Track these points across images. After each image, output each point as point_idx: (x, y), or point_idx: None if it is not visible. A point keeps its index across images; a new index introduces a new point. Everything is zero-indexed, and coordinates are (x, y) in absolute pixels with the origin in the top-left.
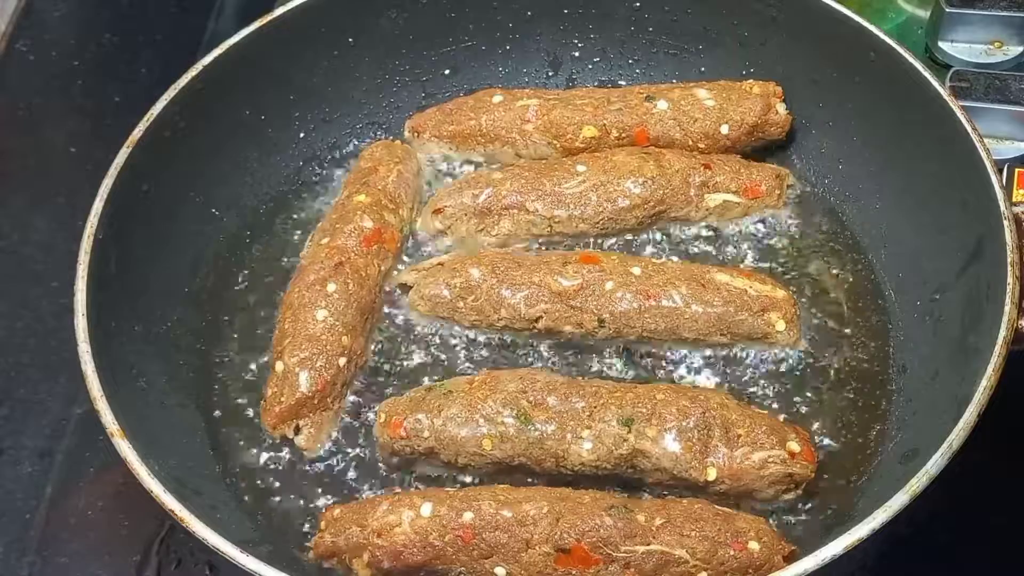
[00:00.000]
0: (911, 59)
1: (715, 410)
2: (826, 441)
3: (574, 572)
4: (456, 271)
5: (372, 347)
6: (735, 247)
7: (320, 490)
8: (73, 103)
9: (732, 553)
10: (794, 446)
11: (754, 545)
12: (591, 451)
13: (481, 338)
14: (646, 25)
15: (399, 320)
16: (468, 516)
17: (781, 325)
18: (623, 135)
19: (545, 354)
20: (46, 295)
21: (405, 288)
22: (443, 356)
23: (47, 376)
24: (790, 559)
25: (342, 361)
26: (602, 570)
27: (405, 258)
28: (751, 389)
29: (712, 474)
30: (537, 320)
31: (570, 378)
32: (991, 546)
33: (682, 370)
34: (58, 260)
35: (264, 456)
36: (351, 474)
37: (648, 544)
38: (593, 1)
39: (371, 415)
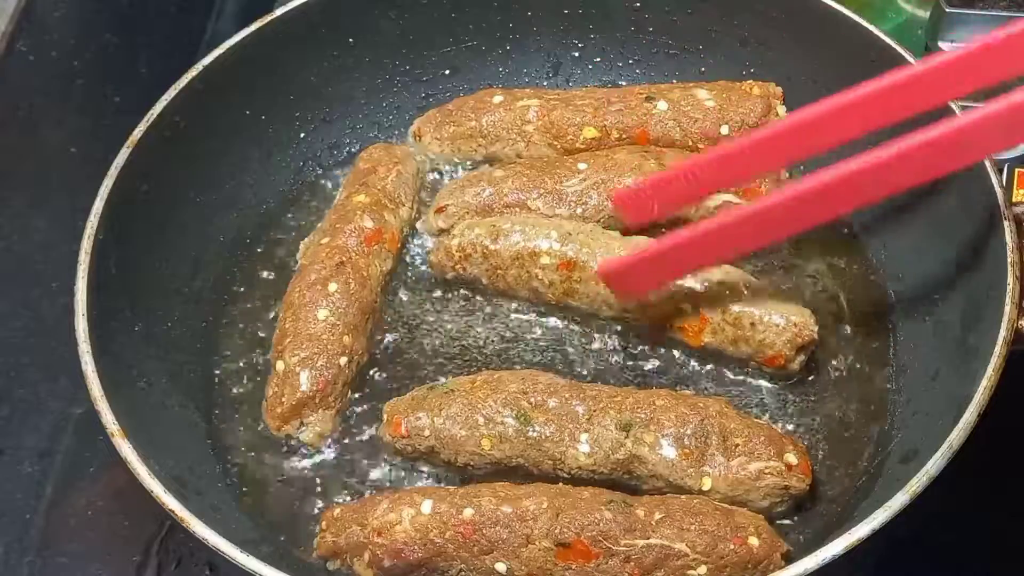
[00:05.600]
0: (911, 59)
1: (714, 418)
2: (826, 441)
3: (574, 566)
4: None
5: (374, 346)
6: None
7: (321, 489)
8: (73, 103)
9: (732, 547)
10: (791, 458)
11: (754, 540)
12: (588, 455)
13: (482, 337)
14: (646, 25)
15: (400, 319)
16: (468, 512)
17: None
18: (624, 136)
19: (539, 356)
20: (46, 295)
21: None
22: (444, 355)
23: (47, 376)
24: (787, 558)
25: (343, 360)
26: (602, 563)
27: (405, 259)
28: (750, 387)
29: (707, 483)
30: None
31: (571, 381)
32: (991, 546)
33: (682, 376)
34: (58, 260)
35: (264, 456)
36: (352, 473)
37: (648, 538)
38: (593, 1)
39: (371, 413)
